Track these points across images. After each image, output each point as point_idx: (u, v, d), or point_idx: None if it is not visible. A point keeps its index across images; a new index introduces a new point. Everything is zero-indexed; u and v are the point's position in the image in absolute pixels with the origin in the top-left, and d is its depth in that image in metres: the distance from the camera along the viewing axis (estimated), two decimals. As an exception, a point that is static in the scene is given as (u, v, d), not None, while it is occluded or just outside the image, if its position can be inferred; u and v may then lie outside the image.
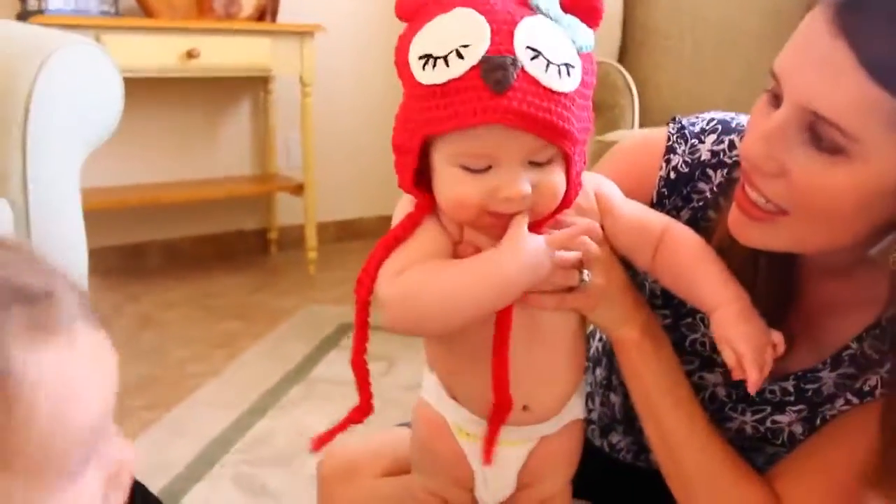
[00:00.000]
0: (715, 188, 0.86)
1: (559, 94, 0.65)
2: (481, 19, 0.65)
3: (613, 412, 1.00)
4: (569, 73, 0.66)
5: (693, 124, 0.90)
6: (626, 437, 0.99)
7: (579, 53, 0.68)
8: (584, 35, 0.69)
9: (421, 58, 0.66)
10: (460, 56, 0.64)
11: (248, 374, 2.07)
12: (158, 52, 2.47)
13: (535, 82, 0.64)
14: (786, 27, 0.76)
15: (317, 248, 2.93)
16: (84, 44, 1.46)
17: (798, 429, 0.86)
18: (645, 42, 2.41)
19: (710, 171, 0.86)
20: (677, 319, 0.90)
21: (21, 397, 0.43)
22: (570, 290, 0.76)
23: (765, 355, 0.73)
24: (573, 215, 0.76)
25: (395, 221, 0.75)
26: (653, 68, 2.38)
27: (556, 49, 0.66)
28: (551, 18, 0.68)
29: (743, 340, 0.73)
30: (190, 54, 2.49)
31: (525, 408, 0.79)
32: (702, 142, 0.88)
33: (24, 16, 2.46)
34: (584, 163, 0.72)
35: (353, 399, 0.77)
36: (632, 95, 1.97)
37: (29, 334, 0.44)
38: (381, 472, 0.98)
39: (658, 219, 0.80)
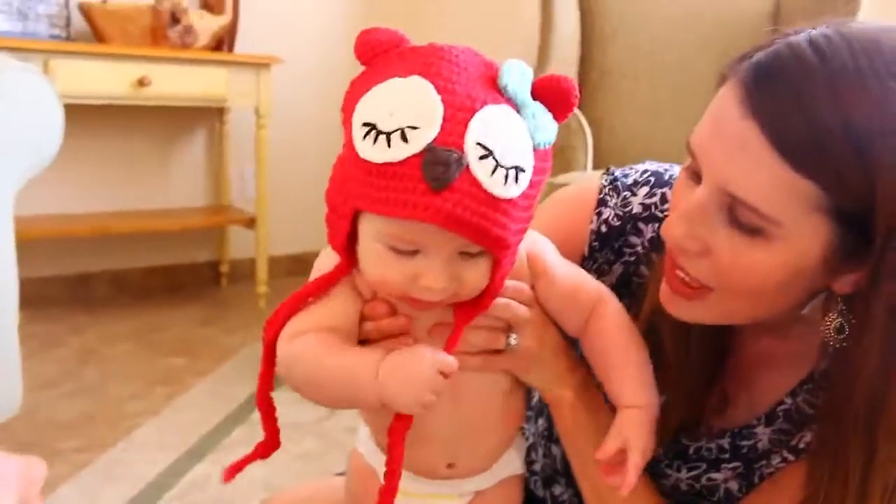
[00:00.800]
0: (646, 242, 0.85)
1: (500, 199, 0.60)
2: (436, 100, 0.59)
3: (555, 463, 0.98)
4: (516, 179, 0.61)
5: (626, 176, 0.88)
6: (569, 488, 0.97)
7: (535, 149, 0.63)
8: (546, 130, 0.64)
9: (364, 125, 0.61)
10: (404, 139, 0.59)
11: (188, 415, 2.00)
12: (109, 79, 2.43)
13: (477, 185, 0.59)
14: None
15: (267, 282, 2.88)
16: (22, 70, 1.41)
17: (734, 485, 0.85)
18: (601, 83, 2.43)
19: (642, 225, 0.85)
20: None
21: None
22: (499, 351, 0.74)
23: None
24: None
25: (314, 273, 0.71)
26: (608, 109, 2.40)
27: (509, 149, 0.61)
28: (516, 105, 0.63)
29: (640, 450, 0.72)
30: (141, 82, 2.45)
31: (450, 465, 0.77)
32: (634, 194, 0.87)
33: (-31, 39, 2.41)
34: (514, 259, 0.68)
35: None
36: (585, 137, 1.97)
37: None
38: None
39: (592, 288, 0.77)
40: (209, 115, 3.04)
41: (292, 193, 3.17)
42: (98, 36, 2.57)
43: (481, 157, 0.59)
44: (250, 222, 2.87)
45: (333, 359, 0.66)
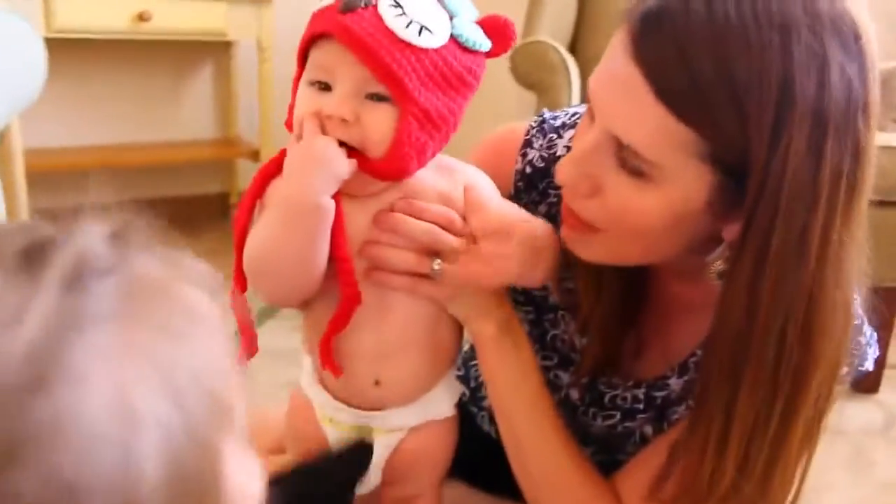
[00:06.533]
0: None
1: (401, 40, 0.67)
2: None
3: None
4: (420, 32, 0.68)
5: (555, 118, 0.89)
6: None
7: (468, 49, 0.71)
8: (472, 32, 0.72)
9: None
10: None
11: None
12: (109, 14, 2.44)
13: (379, 19, 0.68)
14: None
15: (273, 214, 2.93)
16: (1, 13, 1.45)
17: (649, 430, 0.88)
18: (600, 21, 2.39)
19: None
20: (540, 315, 0.91)
21: None
22: (426, 276, 0.76)
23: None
24: (435, 203, 0.76)
25: None
26: (604, 48, 2.35)
27: (421, 10, 0.69)
28: (448, 9, 0.71)
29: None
30: (141, 17, 2.46)
31: (377, 383, 0.80)
32: (560, 137, 0.87)
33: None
34: (434, 143, 0.72)
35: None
36: (568, 74, 1.95)
37: None
38: (267, 448, 0.99)
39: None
40: (218, 49, 3.04)
41: (299, 126, 3.19)
42: (100, -30, 2.58)
43: (390, 6, 0.68)
44: (255, 154, 2.91)
45: (265, 214, 0.74)
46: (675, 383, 0.85)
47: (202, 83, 3.09)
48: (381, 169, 0.71)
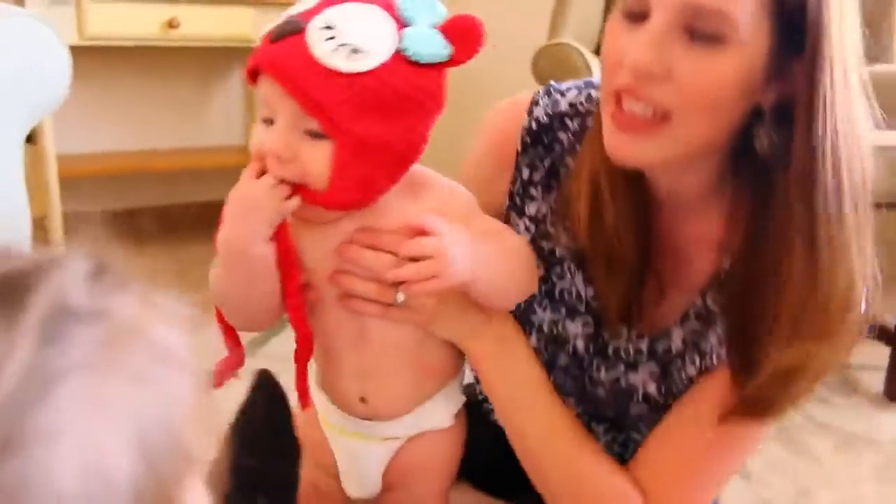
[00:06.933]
0: (571, 136, 0.88)
1: (327, 68, 0.64)
2: None
3: None
4: (348, 56, 0.64)
5: (561, 84, 0.93)
6: None
7: (413, 62, 0.67)
8: (424, 44, 0.67)
9: None
10: (277, 19, 0.69)
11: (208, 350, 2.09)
12: (139, 22, 2.47)
13: (305, 46, 0.64)
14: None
15: (299, 219, 2.94)
16: (23, 16, 1.47)
17: (652, 388, 0.88)
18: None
19: (568, 121, 0.89)
20: (548, 268, 0.91)
21: None
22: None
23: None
24: (399, 229, 0.73)
25: None
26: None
27: (354, 32, 0.65)
28: (402, 19, 0.68)
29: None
30: (171, 24, 2.49)
31: (363, 400, 0.81)
32: (563, 96, 0.90)
33: (7, -18, 2.48)
34: (384, 171, 0.69)
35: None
36: (591, 75, 1.93)
37: None
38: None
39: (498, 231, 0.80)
40: (245, 55, 2.98)
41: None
42: (130, -23, 2.61)
43: (321, 28, 0.65)
44: (281, 161, 2.92)
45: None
46: (676, 333, 0.85)
47: (230, 89, 3.12)
48: (328, 202, 0.69)
